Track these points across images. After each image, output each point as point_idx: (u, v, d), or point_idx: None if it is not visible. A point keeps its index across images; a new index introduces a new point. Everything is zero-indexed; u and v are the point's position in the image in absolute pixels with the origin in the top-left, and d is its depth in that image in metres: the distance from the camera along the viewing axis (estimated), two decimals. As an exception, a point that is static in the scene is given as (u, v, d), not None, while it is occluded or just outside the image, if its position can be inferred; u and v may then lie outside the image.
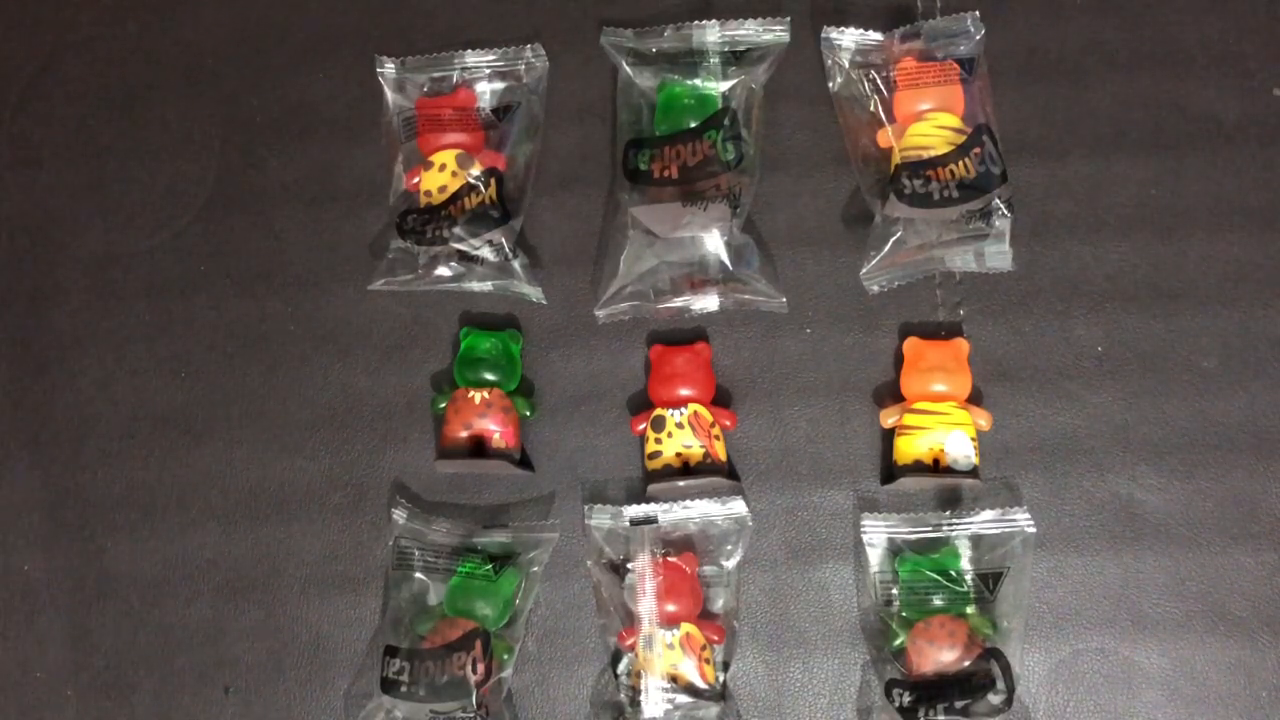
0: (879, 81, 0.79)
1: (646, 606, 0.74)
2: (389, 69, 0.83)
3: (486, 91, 0.83)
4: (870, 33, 0.80)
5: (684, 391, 0.77)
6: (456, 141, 0.80)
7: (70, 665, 0.79)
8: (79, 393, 0.82)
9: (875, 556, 0.76)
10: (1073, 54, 0.81)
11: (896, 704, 0.71)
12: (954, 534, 0.75)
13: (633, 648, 0.75)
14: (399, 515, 0.78)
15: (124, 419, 0.82)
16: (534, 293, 0.80)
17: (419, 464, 0.80)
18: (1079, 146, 0.80)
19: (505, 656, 0.76)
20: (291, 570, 0.79)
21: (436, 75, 0.83)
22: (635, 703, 0.73)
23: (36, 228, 0.85)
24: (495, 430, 0.77)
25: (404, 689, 0.73)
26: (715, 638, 0.75)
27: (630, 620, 0.75)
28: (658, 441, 0.76)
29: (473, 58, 0.83)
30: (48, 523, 0.81)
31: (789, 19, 0.81)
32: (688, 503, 0.76)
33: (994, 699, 0.71)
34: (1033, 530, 0.75)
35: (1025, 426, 0.77)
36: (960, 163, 0.75)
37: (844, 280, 0.80)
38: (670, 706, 0.73)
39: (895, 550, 0.76)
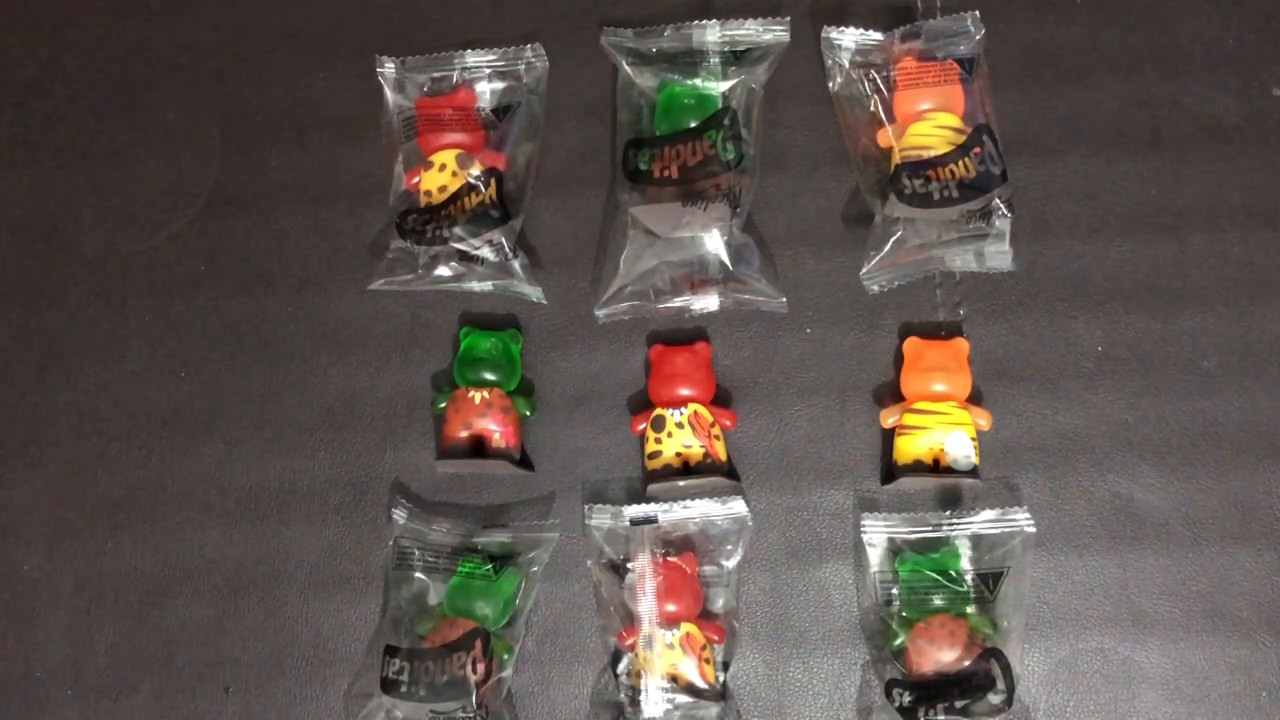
0: (879, 81, 0.79)
1: (646, 606, 0.74)
2: (389, 69, 0.83)
3: (486, 91, 0.83)
4: (870, 33, 0.80)
5: (684, 391, 0.77)
6: (456, 141, 0.80)
7: (70, 665, 0.79)
8: (79, 393, 0.82)
9: (875, 556, 0.76)
10: (1073, 54, 0.81)
11: (896, 704, 0.71)
12: (954, 534, 0.75)
13: (633, 648, 0.75)
14: (399, 515, 0.78)
15: (124, 419, 0.82)
16: (534, 293, 0.80)
17: (419, 464, 0.80)
18: (1079, 146, 0.80)
19: (505, 656, 0.76)
20: (291, 570, 0.79)
21: (436, 75, 0.83)
22: (635, 703, 0.73)
23: (36, 228, 0.85)
24: (495, 430, 0.77)
25: (404, 689, 0.73)
26: (715, 638, 0.75)
27: (630, 620, 0.75)
28: (658, 441, 0.76)
29: (473, 58, 0.83)
30: (48, 523, 0.81)
31: (789, 19, 0.81)
32: (688, 503, 0.76)
33: (994, 699, 0.71)
34: (1033, 530, 0.75)
35: (1025, 426, 0.77)
36: (960, 163, 0.75)
37: (844, 280, 0.80)
38: (670, 706, 0.73)
39: (895, 550, 0.76)
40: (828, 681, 0.76)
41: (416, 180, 0.80)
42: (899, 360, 0.78)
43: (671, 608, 0.74)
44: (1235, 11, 0.81)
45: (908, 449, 0.75)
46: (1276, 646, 0.75)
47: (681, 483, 0.76)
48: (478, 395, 0.77)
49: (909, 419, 0.75)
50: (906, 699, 0.71)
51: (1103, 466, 0.77)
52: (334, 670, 0.78)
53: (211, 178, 0.84)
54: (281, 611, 0.79)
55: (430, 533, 0.78)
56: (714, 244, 0.78)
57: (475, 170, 0.80)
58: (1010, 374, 0.78)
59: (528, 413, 0.79)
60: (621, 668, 0.75)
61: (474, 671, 0.73)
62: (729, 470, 0.77)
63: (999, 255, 0.77)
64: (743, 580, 0.77)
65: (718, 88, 0.80)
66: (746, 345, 0.80)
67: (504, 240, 0.79)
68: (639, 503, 0.77)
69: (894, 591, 0.75)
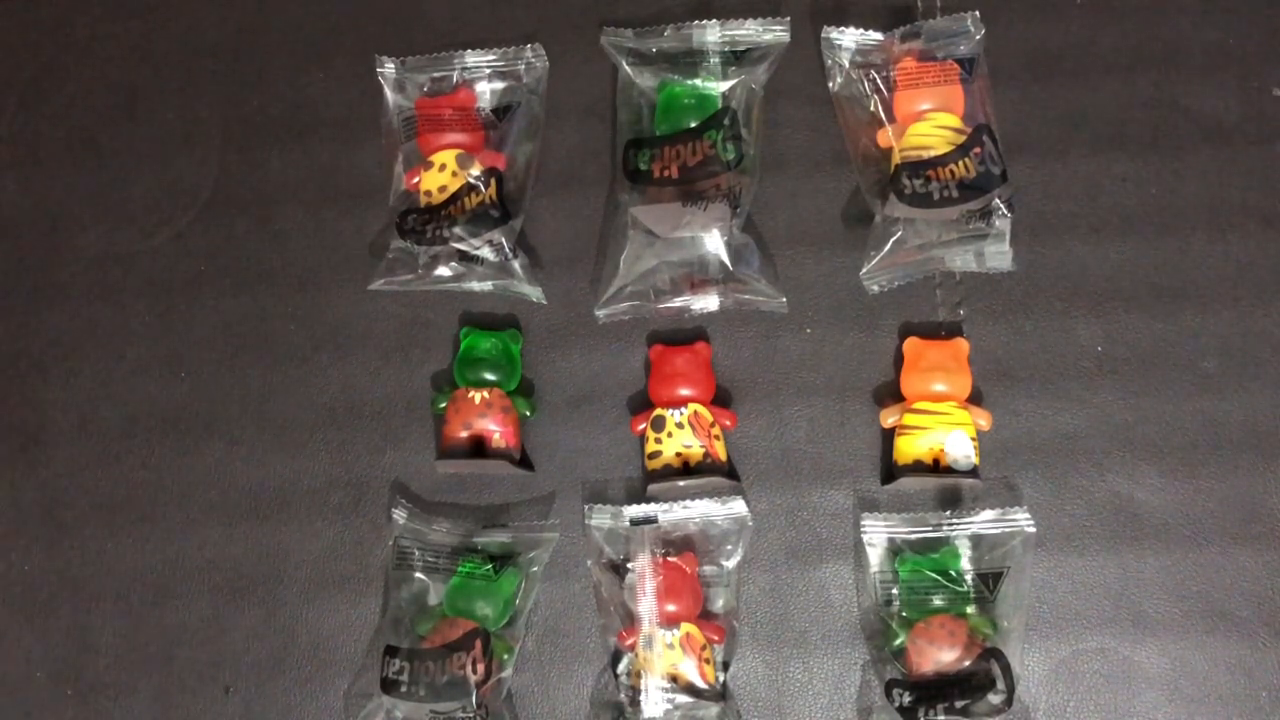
0: (879, 81, 0.79)
1: (646, 606, 0.74)
2: (389, 69, 0.83)
3: (486, 91, 0.83)
4: (870, 33, 0.80)
5: (684, 391, 0.77)
6: (456, 141, 0.80)
7: (70, 665, 0.79)
8: (79, 393, 0.82)
9: (875, 556, 0.76)
10: (1073, 54, 0.81)
11: (896, 704, 0.71)
12: (954, 534, 0.75)
13: (633, 648, 0.75)
14: (399, 515, 0.78)
15: (124, 419, 0.82)
16: (534, 293, 0.80)
17: (419, 464, 0.80)
18: (1079, 146, 0.80)
19: (505, 656, 0.76)
20: (291, 570, 0.79)
21: (436, 75, 0.83)
22: (635, 703, 0.73)
23: (36, 228, 0.85)
24: (495, 430, 0.77)
25: (404, 689, 0.73)
26: (715, 638, 0.75)
27: (630, 620, 0.75)
28: (658, 441, 0.76)
29: (473, 58, 0.83)
30: (48, 523, 0.81)
31: (789, 19, 0.81)
32: (688, 503, 0.76)
33: (994, 699, 0.71)
34: (1033, 530, 0.75)
35: (1025, 426, 0.77)
36: (960, 163, 0.75)
37: (844, 280, 0.80)
38: (670, 706, 0.73)
39: (895, 550, 0.76)
40: (828, 681, 0.76)
41: (416, 180, 0.80)
42: (899, 360, 0.78)
43: (671, 608, 0.74)
44: (1235, 11, 0.81)
45: (908, 449, 0.75)
46: (1276, 646, 0.75)
47: (681, 483, 0.76)
48: (478, 395, 0.77)
49: (909, 419, 0.75)
50: (906, 699, 0.71)
51: (1103, 466, 0.77)
52: (334, 670, 0.78)
53: (211, 178, 0.84)
54: (281, 611, 0.79)
55: (430, 533, 0.78)
56: (714, 244, 0.78)
57: (475, 170, 0.80)
58: (1010, 374, 0.78)
59: (528, 413, 0.79)
60: (621, 668, 0.75)
61: (474, 671, 0.73)
62: (729, 470, 0.77)
63: (999, 255, 0.77)
64: (743, 580, 0.77)
65: (718, 88, 0.80)
66: (746, 345, 0.80)
67: (504, 240, 0.79)
68: (639, 503, 0.77)
69: (894, 591, 0.75)
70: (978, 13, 0.79)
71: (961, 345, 0.77)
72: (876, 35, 0.80)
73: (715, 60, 0.80)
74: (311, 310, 0.82)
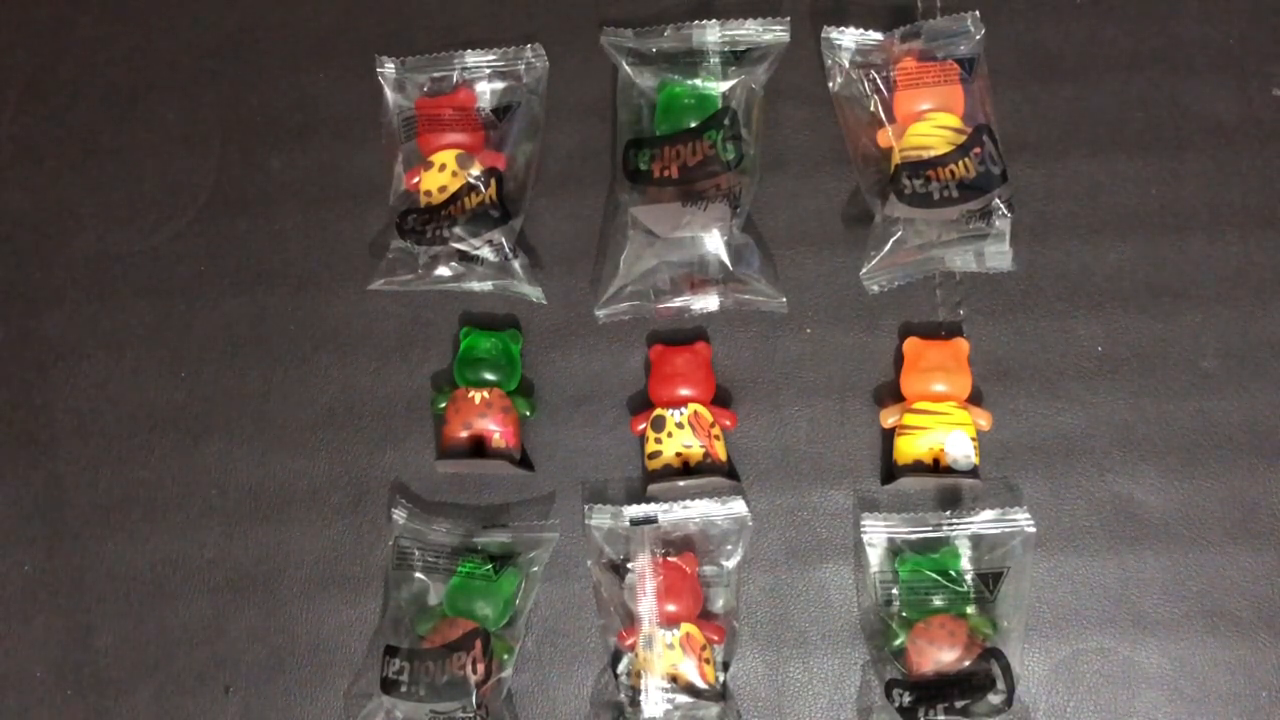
0: (879, 81, 0.79)
1: (646, 606, 0.74)
2: (389, 69, 0.83)
3: (486, 91, 0.83)
4: (870, 33, 0.80)
5: (684, 391, 0.77)
6: (456, 141, 0.80)
7: (70, 665, 0.79)
8: (79, 393, 0.82)
9: (875, 556, 0.76)
10: (1073, 54, 0.81)
11: (896, 704, 0.71)
12: (954, 534, 0.75)
13: (633, 648, 0.75)
14: (399, 515, 0.78)
15: (124, 419, 0.82)
16: (534, 293, 0.80)
17: (419, 464, 0.80)
18: (1079, 146, 0.80)
19: (505, 656, 0.76)
20: (291, 570, 0.79)
21: (436, 75, 0.83)
22: (635, 703, 0.73)
23: (36, 227, 0.85)
24: (495, 430, 0.77)
25: (404, 689, 0.73)
26: (715, 638, 0.75)
27: (630, 620, 0.75)
28: (658, 441, 0.76)
29: (473, 58, 0.83)
30: (48, 523, 0.81)
31: (789, 19, 0.81)
32: (688, 503, 0.76)
33: (994, 699, 0.71)
34: (1033, 530, 0.75)
35: (1025, 426, 0.77)
36: (960, 163, 0.75)
37: (844, 280, 0.80)
38: (670, 706, 0.73)
39: (895, 550, 0.76)
40: (828, 681, 0.76)
41: (416, 180, 0.80)
42: (899, 360, 0.78)
43: (671, 608, 0.74)
44: (1235, 11, 0.81)
45: (908, 449, 0.75)
46: (1276, 646, 0.75)
47: (681, 483, 0.76)
48: (478, 395, 0.77)
49: (909, 419, 0.75)
50: (906, 699, 0.71)
51: (1103, 466, 0.77)
52: (334, 670, 0.78)
53: (211, 178, 0.84)
54: (281, 611, 0.79)
55: (430, 533, 0.78)
56: (714, 244, 0.78)
57: (475, 170, 0.80)
58: (1010, 374, 0.78)
59: (528, 413, 0.79)
60: (621, 668, 0.75)
61: (474, 671, 0.73)
62: (729, 470, 0.77)
63: (999, 255, 0.77)
64: (743, 580, 0.77)
65: (718, 88, 0.80)
66: (746, 345, 0.80)
67: (504, 240, 0.79)
68: (639, 503, 0.77)
69: (894, 591, 0.75)
70: (978, 13, 0.79)
71: (961, 345, 0.77)
72: (876, 35, 0.80)
73: (715, 60, 0.80)
74: (311, 310, 0.82)
